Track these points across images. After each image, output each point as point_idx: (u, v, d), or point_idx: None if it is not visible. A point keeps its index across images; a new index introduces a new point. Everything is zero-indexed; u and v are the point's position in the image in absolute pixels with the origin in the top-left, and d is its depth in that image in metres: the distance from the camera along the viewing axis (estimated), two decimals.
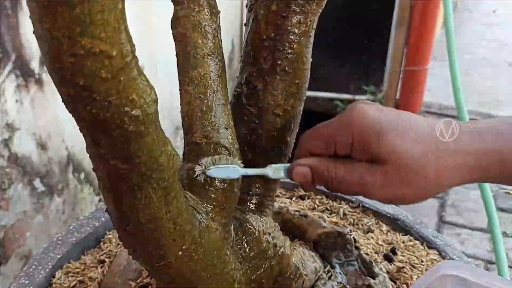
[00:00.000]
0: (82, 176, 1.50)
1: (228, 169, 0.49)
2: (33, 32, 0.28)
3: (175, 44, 0.49)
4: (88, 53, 0.28)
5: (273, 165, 0.52)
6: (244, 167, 0.50)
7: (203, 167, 0.48)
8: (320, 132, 0.49)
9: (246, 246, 0.55)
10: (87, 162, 1.50)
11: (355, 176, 0.46)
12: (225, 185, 0.49)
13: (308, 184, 0.50)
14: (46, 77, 1.29)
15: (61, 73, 0.29)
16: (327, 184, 0.48)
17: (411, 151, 0.43)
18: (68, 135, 1.40)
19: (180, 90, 0.49)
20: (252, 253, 0.55)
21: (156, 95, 0.34)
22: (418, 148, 0.43)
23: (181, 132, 1.71)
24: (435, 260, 0.73)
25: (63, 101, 0.31)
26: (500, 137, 0.43)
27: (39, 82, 1.27)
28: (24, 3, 1.17)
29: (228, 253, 0.51)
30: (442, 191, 0.46)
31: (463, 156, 0.43)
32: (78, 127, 0.34)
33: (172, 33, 0.48)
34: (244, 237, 0.55)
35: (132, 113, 0.32)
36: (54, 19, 0.26)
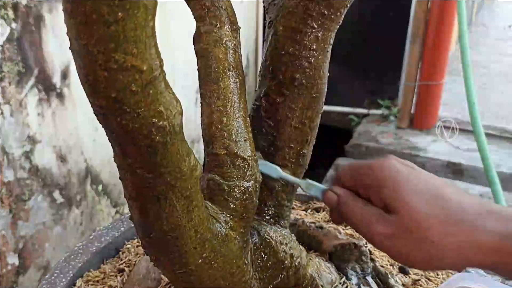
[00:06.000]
0: (100, 188, 1.52)
1: (271, 168, 0.55)
2: (69, 48, 0.30)
3: (197, 59, 0.51)
4: (121, 67, 0.29)
5: (309, 181, 0.54)
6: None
7: None
8: (353, 168, 0.49)
9: (263, 256, 0.56)
10: (105, 174, 1.52)
11: (366, 217, 0.45)
12: (244, 195, 0.50)
13: (334, 211, 0.51)
14: (67, 91, 1.32)
15: (95, 86, 0.31)
16: (343, 216, 0.49)
17: (423, 211, 0.41)
18: (87, 147, 1.43)
19: (201, 103, 0.51)
20: (269, 263, 0.56)
21: (181, 107, 0.35)
22: (436, 212, 0.41)
23: (197, 145, 1.72)
24: (451, 273, 0.73)
25: (94, 113, 0.33)
26: None
27: (60, 96, 1.31)
28: (47, 20, 1.21)
29: (246, 262, 0.52)
30: (454, 268, 0.44)
31: (483, 237, 0.40)
32: (107, 137, 0.36)
33: (195, 48, 0.50)
34: (261, 247, 0.56)
35: (159, 124, 0.34)
36: (90, 35, 0.28)
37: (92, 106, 0.33)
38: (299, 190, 0.67)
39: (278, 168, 0.55)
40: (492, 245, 0.40)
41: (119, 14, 0.28)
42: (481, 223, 0.41)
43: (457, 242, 0.41)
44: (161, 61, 0.32)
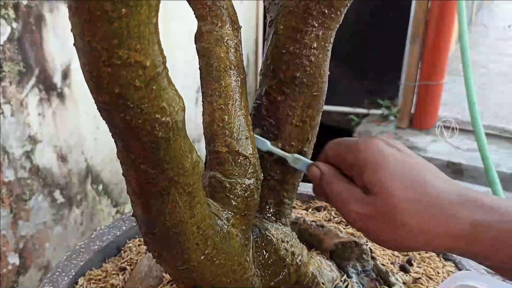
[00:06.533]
0: (100, 187, 1.52)
1: (260, 141, 0.55)
2: (73, 44, 0.31)
3: (199, 57, 0.51)
4: (124, 63, 0.30)
5: (296, 155, 0.55)
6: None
7: None
8: (339, 144, 0.50)
9: (264, 253, 0.56)
10: (105, 174, 1.53)
11: (345, 196, 0.46)
12: (246, 193, 0.50)
13: (317, 186, 0.51)
14: (68, 91, 1.32)
15: (98, 82, 0.31)
16: (323, 193, 0.50)
17: (399, 194, 0.42)
18: (87, 147, 1.43)
19: (202, 101, 0.52)
20: (271, 261, 0.56)
21: (184, 103, 0.36)
22: (411, 196, 0.42)
23: (197, 144, 1.72)
24: (451, 272, 0.74)
25: (98, 109, 0.34)
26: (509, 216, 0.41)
27: (61, 95, 1.31)
28: (48, 20, 1.21)
29: (248, 259, 0.52)
30: (425, 249, 0.45)
31: (454, 224, 0.41)
32: (111, 133, 0.36)
33: (196, 47, 0.51)
34: (263, 244, 0.56)
35: (162, 120, 0.34)
36: (94, 32, 0.29)
37: (95, 103, 0.33)
38: (300, 189, 0.67)
39: (267, 141, 0.56)
40: (461, 232, 0.41)
41: (123, 10, 0.28)
42: (454, 211, 0.42)
43: (429, 228, 0.42)
44: (164, 57, 0.32)
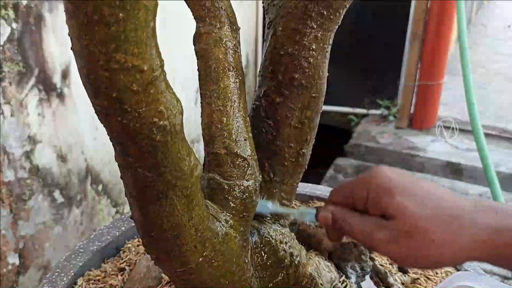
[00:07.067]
0: (100, 187, 1.52)
1: (261, 206, 0.55)
2: (71, 48, 0.31)
3: (197, 59, 0.51)
4: (122, 67, 0.30)
5: (301, 209, 0.55)
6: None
7: None
8: (343, 186, 0.51)
9: (263, 254, 0.56)
10: (105, 174, 1.53)
11: (365, 227, 0.47)
12: (244, 194, 0.50)
13: (330, 228, 0.51)
14: (68, 91, 1.32)
15: (96, 86, 0.31)
16: (342, 230, 0.50)
17: (419, 213, 0.44)
18: (87, 147, 1.43)
19: (201, 103, 0.52)
20: (269, 262, 0.56)
21: (182, 107, 0.36)
22: (428, 213, 0.44)
23: (197, 145, 1.72)
24: (450, 272, 0.74)
25: (96, 112, 0.34)
26: None
27: (60, 96, 1.31)
28: (47, 20, 1.21)
29: (246, 261, 0.53)
30: (451, 264, 0.46)
31: (478, 231, 0.43)
32: (109, 137, 0.36)
33: (195, 49, 0.51)
34: (261, 245, 0.56)
35: (160, 123, 0.34)
36: (91, 36, 0.29)
37: (93, 106, 0.33)
38: (299, 190, 0.67)
39: (268, 203, 0.56)
40: (486, 238, 0.42)
41: (120, 14, 0.28)
42: (475, 218, 0.43)
43: (454, 238, 0.43)
44: (161, 61, 0.32)
